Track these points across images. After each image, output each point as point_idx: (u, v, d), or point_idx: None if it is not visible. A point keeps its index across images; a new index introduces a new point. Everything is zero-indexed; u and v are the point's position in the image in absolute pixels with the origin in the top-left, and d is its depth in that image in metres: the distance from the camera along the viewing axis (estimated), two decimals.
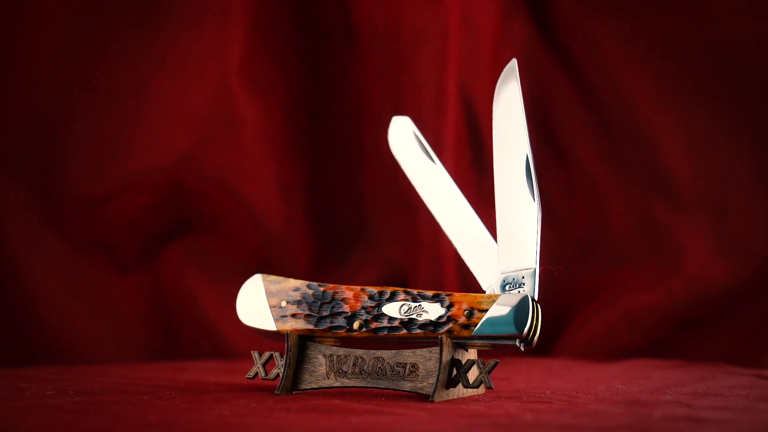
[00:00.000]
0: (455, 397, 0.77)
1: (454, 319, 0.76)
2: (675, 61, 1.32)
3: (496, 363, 0.75)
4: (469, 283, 0.81)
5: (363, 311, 0.78)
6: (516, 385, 0.89)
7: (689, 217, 1.30)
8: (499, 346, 0.75)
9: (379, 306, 0.78)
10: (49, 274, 1.24)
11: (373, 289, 0.79)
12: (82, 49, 1.26)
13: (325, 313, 0.79)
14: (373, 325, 0.77)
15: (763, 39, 1.28)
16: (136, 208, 1.28)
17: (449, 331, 0.75)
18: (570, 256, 1.34)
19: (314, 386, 0.78)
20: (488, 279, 0.79)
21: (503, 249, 0.78)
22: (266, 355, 0.81)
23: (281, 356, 0.79)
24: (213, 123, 1.31)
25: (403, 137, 0.87)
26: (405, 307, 0.77)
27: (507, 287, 0.77)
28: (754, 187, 1.29)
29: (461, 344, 0.76)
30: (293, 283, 0.81)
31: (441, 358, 0.75)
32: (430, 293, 0.77)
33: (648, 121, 1.33)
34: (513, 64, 0.81)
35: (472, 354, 0.77)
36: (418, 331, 0.76)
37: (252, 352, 0.81)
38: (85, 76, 1.26)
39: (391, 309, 0.77)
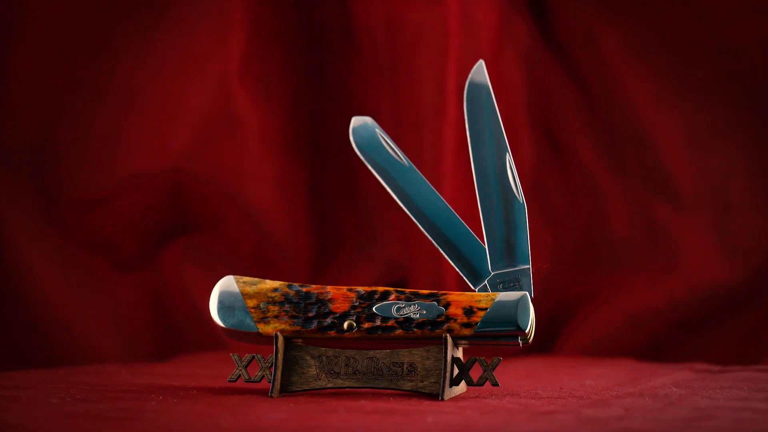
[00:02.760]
0: (454, 395, 0.76)
1: (454, 318, 0.75)
2: (675, 61, 1.32)
3: (500, 360, 0.76)
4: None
5: (352, 311, 0.77)
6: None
7: (689, 217, 1.30)
8: (500, 345, 0.76)
9: (369, 306, 0.77)
10: (49, 274, 1.25)
11: (362, 289, 0.78)
12: (82, 49, 1.26)
13: (311, 314, 0.77)
14: (366, 325, 0.77)
15: (764, 39, 1.28)
16: (136, 208, 1.29)
17: (449, 330, 0.75)
18: (570, 257, 1.34)
19: (305, 388, 0.77)
20: (477, 279, 0.79)
21: (492, 249, 0.78)
22: (248, 357, 0.79)
23: (263, 358, 0.78)
24: (213, 123, 1.31)
25: (368, 139, 0.84)
26: (398, 307, 0.77)
27: (500, 286, 0.78)
28: (755, 187, 1.29)
29: (456, 343, 0.76)
30: (271, 284, 0.79)
31: (446, 356, 0.75)
32: (424, 292, 0.77)
33: (648, 121, 1.32)
34: (480, 66, 0.81)
35: (460, 352, 0.77)
36: (416, 330, 0.76)
37: (231, 354, 0.79)
38: (85, 76, 1.27)
39: (384, 309, 0.77)
